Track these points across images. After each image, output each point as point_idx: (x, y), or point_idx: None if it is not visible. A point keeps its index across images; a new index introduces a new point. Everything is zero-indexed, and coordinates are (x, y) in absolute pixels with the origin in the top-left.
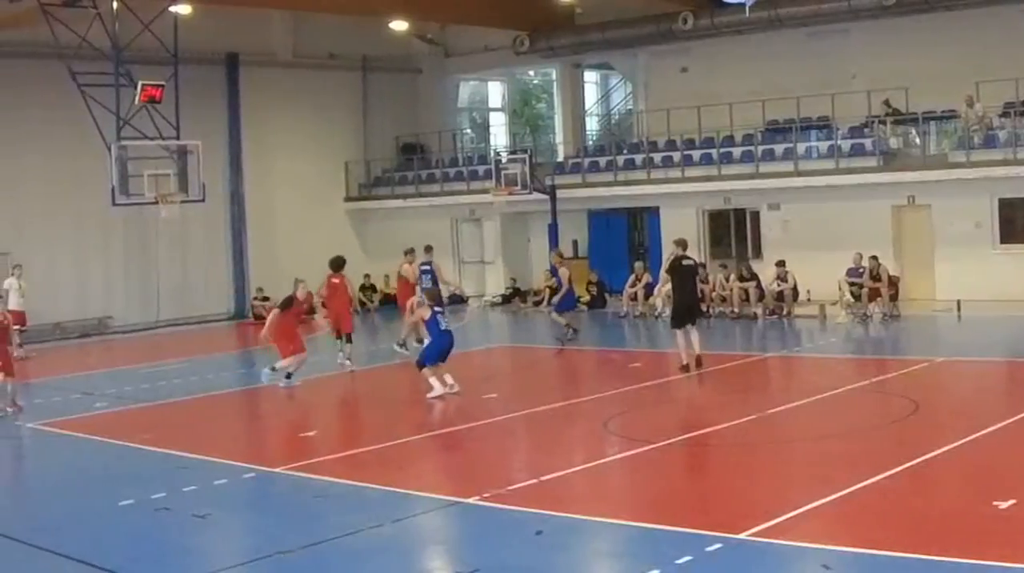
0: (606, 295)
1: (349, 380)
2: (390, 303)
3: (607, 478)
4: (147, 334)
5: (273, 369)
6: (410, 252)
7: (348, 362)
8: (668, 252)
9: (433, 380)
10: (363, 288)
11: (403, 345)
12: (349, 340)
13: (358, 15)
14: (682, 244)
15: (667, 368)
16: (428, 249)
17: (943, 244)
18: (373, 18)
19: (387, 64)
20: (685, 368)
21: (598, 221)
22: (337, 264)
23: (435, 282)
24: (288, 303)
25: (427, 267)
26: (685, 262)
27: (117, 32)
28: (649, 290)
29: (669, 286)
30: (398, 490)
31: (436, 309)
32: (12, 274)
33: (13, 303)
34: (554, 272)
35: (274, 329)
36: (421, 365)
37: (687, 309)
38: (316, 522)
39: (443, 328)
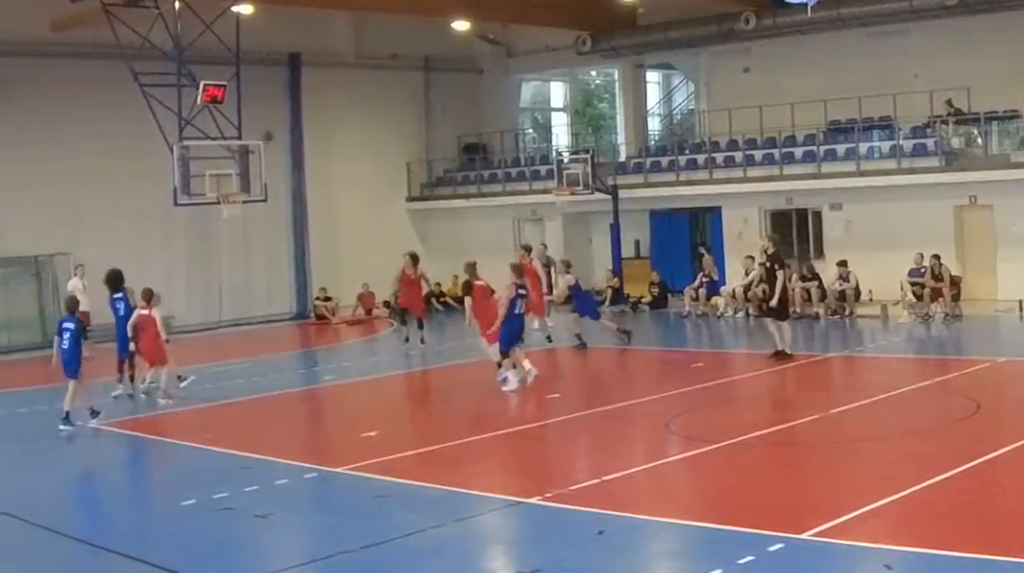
0: (668, 295)
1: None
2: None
3: (669, 478)
4: (209, 334)
5: None
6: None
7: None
8: (764, 247)
9: (511, 374)
10: (430, 295)
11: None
12: (421, 326)
13: (421, 15)
14: (775, 241)
15: (729, 368)
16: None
17: (1005, 244)
18: (435, 18)
19: (449, 64)
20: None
21: (660, 221)
22: (415, 258)
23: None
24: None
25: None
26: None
27: (179, 32)
28: (714, 288)
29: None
30: (460, 490)
31: (520, 291)
32: (75, 274)
33: (81, 304)
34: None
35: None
36: (504, 354)
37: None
38: (377, 522)
39: (517, 311)
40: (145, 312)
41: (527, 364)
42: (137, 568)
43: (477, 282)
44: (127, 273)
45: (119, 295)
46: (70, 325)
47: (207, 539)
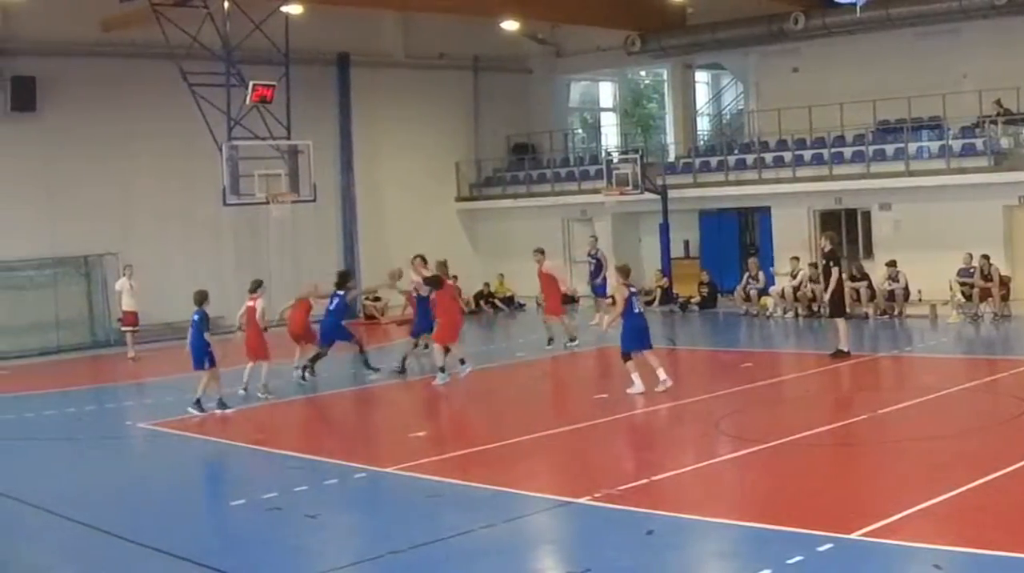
0: (717, 295)
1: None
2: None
3: (718, 478)
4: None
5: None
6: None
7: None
8: (821, 246)
9: (635, 376)
10: (480, 296)
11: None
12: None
13: (470, 15)
14: (832, 239)
15: (779, 368)
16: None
17: None
18: (485, 18)
19: (498, 64)
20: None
21: (709, 221)
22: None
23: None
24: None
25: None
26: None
27: (228, 32)
28: (764, 289)
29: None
30: (509, 490)
31: (632, 289)
32: (123, 274)
33: (125, 304)
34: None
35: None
36: (627, 357)
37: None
38: (427, 522)
39: (637, 310)
40: (251, 304)
41: (662, 373)
42: (187, 568)
43: (447, 282)
44: (175, 272)
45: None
46: (195, 317)
47: (256, 539)
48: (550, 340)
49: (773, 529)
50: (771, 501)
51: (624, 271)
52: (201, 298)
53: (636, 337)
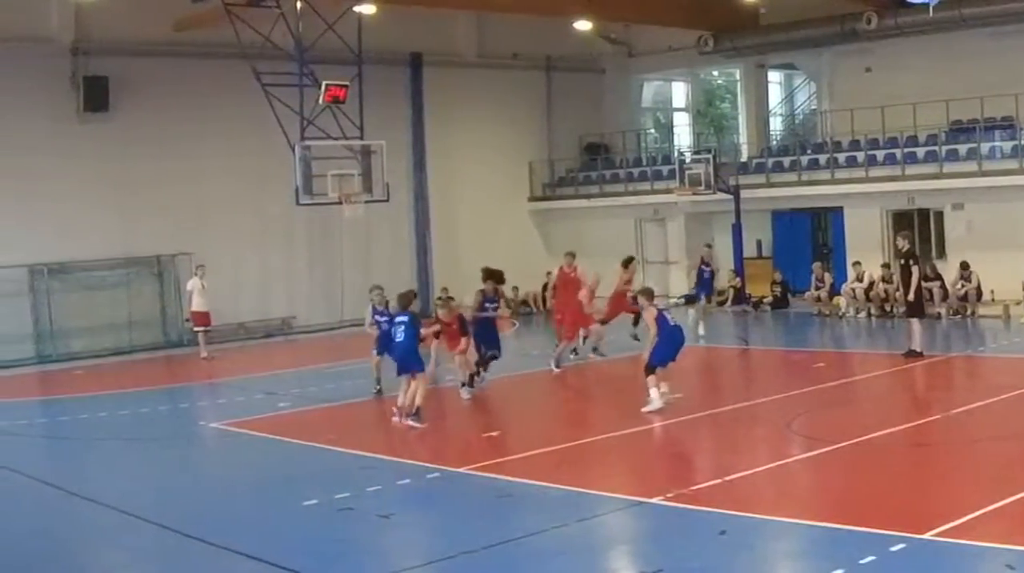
0: (789, 295)
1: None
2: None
3: (791, 478)
4: (331, 334)
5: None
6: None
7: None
8: (900, 246)
9: (654, 391)
10: (546, 287)
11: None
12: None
13: (543, 15)
14: (910, 238)
15: (851, 368)
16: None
17: None
18: (557, 18)
19: (571, 64)
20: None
21: (782, 221)
22: (569, 254)
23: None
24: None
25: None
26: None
27: (300, 32)
28: (835, 289)
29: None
30: (582, 490)
31: (659, 307)
32: (195, 274)
33: (195, 304)
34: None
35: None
36: (651, 369)
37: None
38: (500, 522)
39: (672, 324)
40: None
41: (664, 386)
42: (260, 568)
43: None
44: (248, 272)
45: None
46: (404, 318)
47: (329, 539)
48: (596, 349)
49: (846, 529)
50: (844, 501)
51: (648, 294)
52: (408, 300)
53: (669, 351)
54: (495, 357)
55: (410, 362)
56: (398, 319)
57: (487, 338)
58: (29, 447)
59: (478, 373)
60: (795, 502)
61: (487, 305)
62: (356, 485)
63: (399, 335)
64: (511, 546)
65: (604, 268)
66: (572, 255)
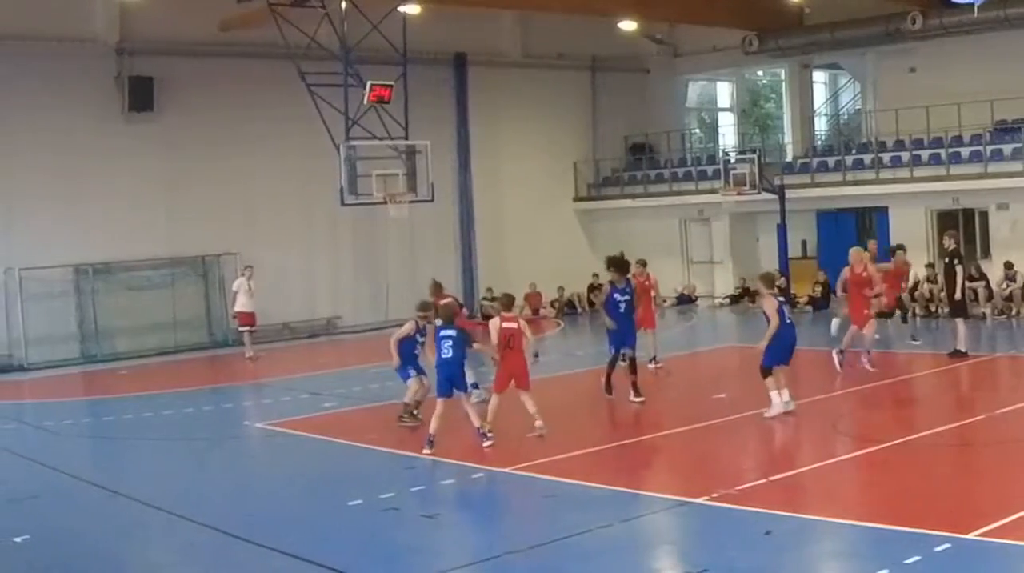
0: (831, 294)
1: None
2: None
3: (836, 478)
4: (376, 334)
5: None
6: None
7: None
8: (945, 245)
9: (774, 394)
10: (591, 288)
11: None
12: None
13: (587, 15)
14: (956, 238)
15: (895, 367)
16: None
17: None
18: (602, 18)
19: (616, 64)
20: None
21: (827, 221)
22: (641, 262)
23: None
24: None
25: None
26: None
27: (345, 32)
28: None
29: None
30: (627, 490)
31: (780, 298)
32: (242, 275)
33: (241, 304)
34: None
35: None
36: (766, 371)
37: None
38: (545, 522)
39: (788, 321)
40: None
41: (786, 394)
42: (305, 568)
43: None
44: (294, 271)
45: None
46: (450, 332)
47: (374, 539)
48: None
49: (890, 529)
50: (888, 501)
51: (768, 280)
52: (452, 311)
53: (781, 351)
54: (628, 357)
55: (460, 381)
56: (444, 333)
57: (623, 332)
58: (74, 447)
59: (609, 384)
60: (840, 502)
61: (616, 296)
62: (401, 485)
63: (447, 351)
64: (556, 545)
65: (649, 267)
66: (643, 263)
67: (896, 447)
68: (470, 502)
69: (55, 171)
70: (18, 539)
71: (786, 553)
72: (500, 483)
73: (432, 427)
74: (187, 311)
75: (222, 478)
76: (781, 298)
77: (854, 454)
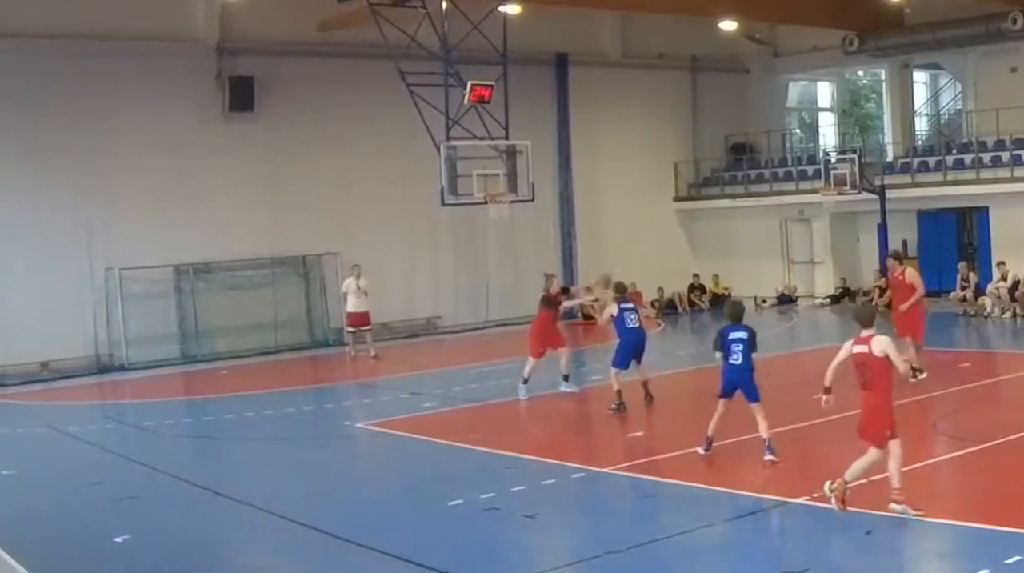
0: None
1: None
2: (719, 304)
3: (937, 478)
4: (476, 334)
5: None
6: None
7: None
8: None
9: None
10: (691, 288)
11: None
12: (917, 348)
13: (688, 15)
14: None
15: (997, 367)
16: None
17: None
18: (703, 18)
19: (716, 64)
20: None
21: (927, 221)
22: (897, 255)
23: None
24: (545, 301)
25: None
26: None
27: (446, 32)
28: (980, 290)
29: None
30: (727, 490)
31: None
32: (351, 274)
33: (351, 305)
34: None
35: (535, 329)
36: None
37: None
38: (646, 522)
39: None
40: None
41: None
42: (405, 568)
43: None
44: (394, 271)
45: None
46: (740, 334)
47: (474, 539)
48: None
49: (991, 529)
50: (989, 501)
51: (620, 288)
52: (737, 311)
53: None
54: None
55: (754, 390)
56: (733, 336)
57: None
58: (175, 447)
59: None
60: (941, 502)
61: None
62: (501, 485)
63: (737, 357)
64: (657, 546)
65: (749, 267)
66: (898, 259)
67: (996, 447)
68: (570, 502)
69: (155, 170)
70: (119, 539)
71: (887, 553)
72: (600, 483)
73: (710, 430)
74: (287, 311)
75: (323, 478)
76: (625, 305)
77: (954, 454)
